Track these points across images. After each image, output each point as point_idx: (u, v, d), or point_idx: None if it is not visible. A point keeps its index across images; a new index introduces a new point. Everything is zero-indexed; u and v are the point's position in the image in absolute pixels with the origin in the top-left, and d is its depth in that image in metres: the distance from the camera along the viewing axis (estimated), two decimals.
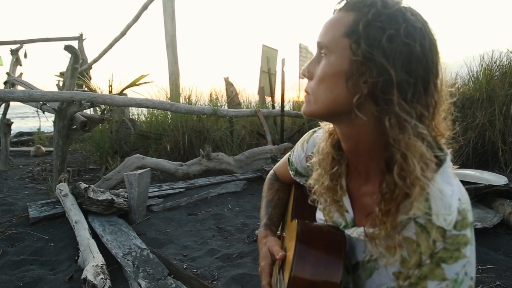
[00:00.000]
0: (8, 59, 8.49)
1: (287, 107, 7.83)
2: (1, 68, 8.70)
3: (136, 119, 7.66)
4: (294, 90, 10.49)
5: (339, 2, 0.85)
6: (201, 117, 6.74)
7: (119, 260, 2.71)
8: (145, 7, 8.60)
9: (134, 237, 3.10)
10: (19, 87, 7.25)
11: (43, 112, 5.76)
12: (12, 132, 7.21)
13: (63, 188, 3.94)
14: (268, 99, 9.02)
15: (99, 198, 3.54)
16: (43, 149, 8.18)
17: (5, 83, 7.51)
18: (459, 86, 6.05)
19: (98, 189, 3.80)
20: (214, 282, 2.61)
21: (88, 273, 2.32)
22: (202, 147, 5.70)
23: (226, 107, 7.80)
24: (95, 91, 7.53)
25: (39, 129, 10.50)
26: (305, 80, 0.92)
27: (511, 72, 5.41)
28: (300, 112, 7.36)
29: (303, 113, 0.91)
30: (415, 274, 0.79)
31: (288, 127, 7.74)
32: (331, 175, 0.97)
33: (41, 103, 5.33)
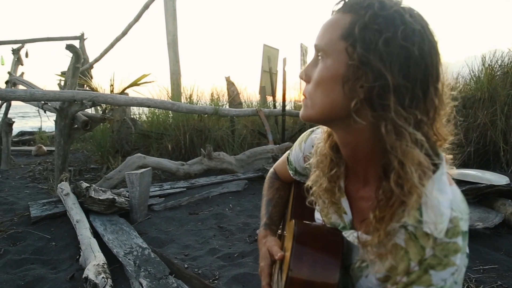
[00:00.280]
0: (9, 58, 8.52)
1: (288, 107, 7.83)
2: (2, 67, 8.72)
3: (138, 119, 7.68)
4: (295, 89, 10.48)
5: (337, 3, 0.83)
6: (202, 117, 6.73)
7: (120, 259, 2.71)
8: (146, 7, 8.59)
9: (135, 237, 3.10)
10: (21, 87, 7.26)
11: (45, 112, 5.76)
12: (13, 131, 7.21)
13: (64, 187, 3.94)
14: (269, 98, 9.02)
15: (100, 198, 3.54)
16: (45, 148, 8.19)
17: (6, 82, 7.51)
18: (461, 86, 6.05)
19: (100, 188, 3.81)
20: (215, 281, 2.62)
21: (90, 272, 2.32)
22: (203, 146, 5.70)
23: (227, 107, 7.79)
24: (96, 90, 7.53)
25: (40, 128, 10.51)
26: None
27: None
28: None
29: (301, 117, 0.90)
30: (402, 281, 0.78)
31: (290, 126, 7.74)
32: (330, 177, 0.95)
33: (43, 102, 5.33)
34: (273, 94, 8.82)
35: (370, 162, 0.86)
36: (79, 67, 5.11)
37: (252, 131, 7.22)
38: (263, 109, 7.31)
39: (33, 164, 6.97)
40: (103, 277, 2.29)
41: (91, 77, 8.87)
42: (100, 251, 2.71)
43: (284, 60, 7.60)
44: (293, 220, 1.00)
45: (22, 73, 8.39)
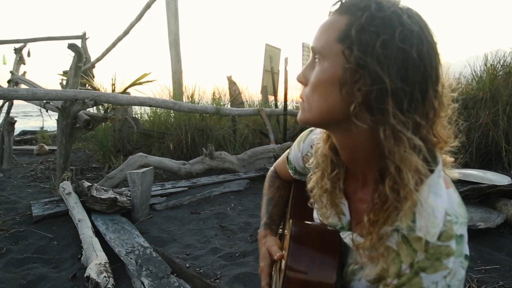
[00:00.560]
0: (11, 58, 8.51)
1: (290, 106, 7.82)
2: (4, 66, 8.72)
3: (139, 118, 7.67)
4: (297, 89, 10.45)
5: (334, 4, 0.81)
6: (204, 116, 6.74)
7: (122, 258, 2.72)
8: (148, 6, 8.59)
9: (137, 236, 3.10)
10: (23, 86, 7.26)
11: (47, 111, 5.77)
12: (15, 130, 7.22)
13: (66, 186, 3.95)
14: (271, 98, 9.01)
15: (102, 197, 3.55)
16: (46, 147, 8.20)
17: (8, 81, 7.52)
18: (463, 86, 6.04)
19: (101, 187, 3.81)
20: (217, 281, 2.62)
21: (91, 271, 2.32)
22: (205, 146, 5.71)
23: (229, 106, 7.79)
24: (98, 89, 7.54)
25: (42, 127, 10.52)
26: None
27: None
28: None
29: (298, 121, 0.88)
30: (393, 283, 0.77)
31: (291, 126, 7.74)
32: (331, 179, 0.94)
33: (45, 101, 5.34)
34: (275, 94, 8.81)
35: (368, 165, 0.85)
36: (81, 67, 5.11)
37: (253, 130, 7.22)
38: (265, 108, 7.31)
39: (35, 163, 6.98)
40: (105, 276, 2.30)
41: (93, 76, 8.88)
42: (102, 250, 2.72)
43: (286, 59, 7.59)
44: (291, 220, 1.00)
45: (24, 72, 8.39)
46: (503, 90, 5.30)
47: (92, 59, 9.63)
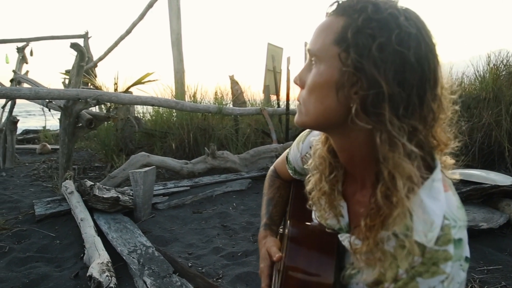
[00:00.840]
0: (14, 57, 8.53)
1: (292, 106, 7.81)
2: (7, 65, 8.73)
3: (141, 117, 7.68)
4: (299, 88, 10.48)
5: (330, 5, 0.80)
6: (206, 115, 6.74)
7: (124, 257, 2.72)
8: (150, 5, 8.60)
9: (139, 235, 3.11)
10: (25, 85, 7.28)
11: (49, 110, 5.78)
12: (17, 129, 7.23)
13: (68, 185, 3.95)
14: (273, 97, 9.01)
15: (104, 196, 3.55)
16: (49, 146, 8.22)
17: (11, 81, 7.53)
18: (466, 86, 6.03)
19: (104, 186, 3.82)
20: (219, 280, 2.62)
21: (94, 271, 2.33)
22: (207, 145, 5.71)
23: (231, 106, 7.79)
24: (100, 89, 7.54)
25: (44, 126, 10.54)
26: None
27: None
28: None
29: (296, 123, 0.87)
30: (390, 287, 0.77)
31: (293, 125, 7.71)
32: (329, 181, 0.93)
33: (47, 100, 5.35)
34: (277, 93, 8.81)
35: (366, 167, 0.84)
36: (84, 66, 5.12)
37: (256, 130, 7.22)
38: (267, 108, 7.31)
39: (38, 162, 6.99)
40: (107, 275, 2.30)
41: (95, 76, 8.89)
42: (104, 249, 2.72)
43: (288, 59, 7.58)
44: (289, 221, 1.00)
45: (27, 72, 8.41)
46: (506, 90, 5.29)
47: (95, 58, 9.65)
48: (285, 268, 0.89)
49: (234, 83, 8.64)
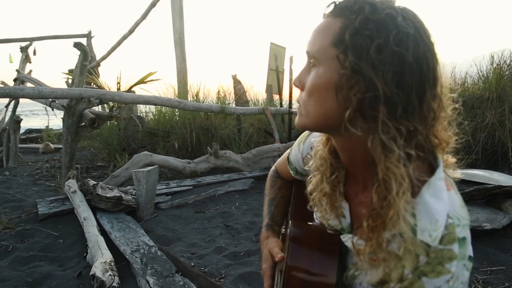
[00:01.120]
0: (17, 56, 8.55)
1: (295, 105, 7.81)
2: (11, 65, 8.75)
3: (144, 117, 7.69)
4: None
5: (327, 6, 0.79)
6: (209, 115, 6.74)
7: (127, 257, 2.73)
8: (153, 5, 8.60)
9: (142, 234, 3.11)
10: (29, 84, 7.29)
11: (52, 109, 5.79)
12: (21, 129, 7.25)
13: (71, 185, 3.96)
14: (276, 97, 9.01)
15: (107, 195, 3.56)
16: (52, 146, 8.24)
17: (15, 80, 7.55)
18: (469, 86, 6.02)
19: (107, 186, 3.83)
20: (222, 280, 2.62)
21: (97, 270, 2.33)
22: (209, 144, 5.71)
23: (233, 105, 7.79)
24: (103, 88, 7.55)
25: (47, 126, 10.56)
26: None
27: None
28: None
29: (296, 125, 0.87)
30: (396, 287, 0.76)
31: None
32: (331, 182, 0.93)
33: (50, 100, 5.36)
34: (280, 93, 8.80)
35: (367, 168, 0.84)
36: (87, 65, 5.13)
37: (258, 129, 7.22)
38: (270, 107, 7.30)
39: (41, 161, 7.01)
40: (110, 275, 2.31)
41: (98, 75, 8.90)
42: (107, 248, 2.73)
43: (291, 58, 7.58)
44: (290, 221, 1.00)
45: (30, 71, 8.43)
46: (509, 90, 5.28)
47: (98, 57, 9.65)
48: (288, 268, 0.89)
49: (236, 83, 8.65)
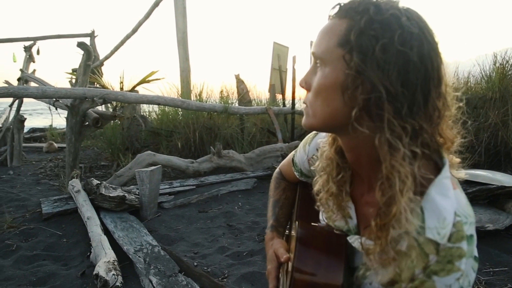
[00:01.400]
0: (21, 56, 8.58)
1: (297, 105, 7.81)
2: (14, 64, 8.79)
3: (147, 116, 7.70)
4: None
5: (333, 8, 0.80)
6: (212, 114, 6.75)
7: (130, 256, 2.74)
8: (156, 4, 8.62)
9: (145, 234, 3.13)
10: (32, 84, 7.32)
11: (56, 109, 5.81)
12: (24, 128, 7.28)
13: (75, 184, 3.98)
14: (279, 96, 9.01)
15: (111, 195, 3.57)
16: (55, 145, 8.26)
17: (18, 79, 7.58)
18: (472, 85, 6.00)
19: (110, 185, 3.84)
20: (224, 280, 2.63)
21: (100, 269, 2.34)
22: (213, 144, 5.72)
23: (237, 105, 7.80)
24: (106, 87, 7.57)
25: (51, 125, 10.60)
26: None
27: None
28: None
29: (303, 126, 0.88)
30: (407, 287, 0.77)
31: (299, 125, 7.71)
32: (337, 182, 0.94)
33: (54, 99, 5.38)
34: (283, 92, 8.81)
35: (372, 168, 0.85)
36: (90, 65, 5.15)
37: (261, 129, 7.22)
38: (273, 107, 7.31)
39: (45, 160, 7.04)
40: (113, 274, 2.32)
41: (102, 74, 8.92)
42: (110, 248, 2.74)
43: (294, 58, 7.58)
44: (297, 222, 1.00)
45: (34, 70, 8.46)
46: None
47: (101, 57, 9.68)
48: (294, 269, 0.90)
49: (239, 82, 8.65)
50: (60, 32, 10.18)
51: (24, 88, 5.41)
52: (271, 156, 5.83)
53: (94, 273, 2.36)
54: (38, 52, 8.77)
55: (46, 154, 7.89)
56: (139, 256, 2.73)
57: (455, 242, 0.73)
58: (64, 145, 6.02)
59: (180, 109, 6.77)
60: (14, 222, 3.56)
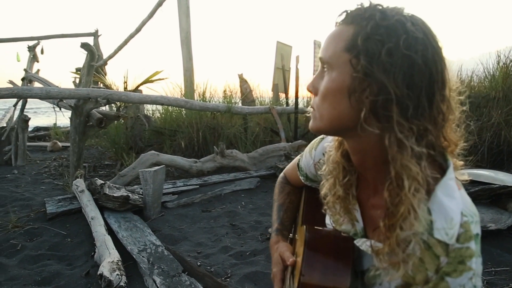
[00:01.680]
0: (25, 55, 8.60)
1: (301, 104, 7.82)
2: (18, 64, 8.80)
3: (151, 116, 7.72)
4: None
5: (340, 15, 0.83)
6: (215, 114, 6.77)
7: (134, 256, 2.76)
8: (160, 4, 8.60)
9: (149, 234, 3.14)
10: (36, 83, 7.34)
11: (60, 109, 5.83)
12: (29, 127, 7.30)
13: (79, 184, 4.00)
14: (282, 96, 9.02)
15: (114, 195, 3.59)
16: (60, 144, 8.30)
17: (22, 79, 7.60)
18: (475, 85, 5.99)
19: (114, 185, 3.86)
20: (228, 279, 2.65)
21: (104, 269, 2.37)
22: (216, 144, 5.73)
23: (240, 104, 7.81)
24: (110, 87, 7.59)
25: (55, 124, 10.63)
26: None
27: None
28: None
29: (310, 129, 0.90)
30: None
31: (302, 124, 7.73)
32: (344, 185, 0.95)
33: (58, 99, 5.40)
34: (286, 92, 8.81)
35: (378, 170, 0.87)
36: (94, 65, 5.17)
37: (264, 128, 7.23)
38: (276, 106, 7.32)
39: (49, 160, 7.08)
40: (117, 274, 2.34)
41: (105, 74, 8.94)
42: (114, 248, 2.76)
43: (297, 57, 7.58)
44: (304, 226, 1.01)
45: (38, 70, 8.48)
46: None
47: (105, 56, 9.68)
48: (302, 273, 0.91)
49: (243, 82, 8.65)
50: (64, 32, 10.18)
51: (28, 88, 5.44)
52: (274, 155, 5.85)
53: (98, 273, 2.39)
54: (42, 52, 8.78)
55: (50, 153, 7.93)
56: (142, 256, 2.75)
57: (464, 242, 0.75)
58: (68, 144, 6.04)
59: (183, 109, 6.78)
60: (18, 222, 3.58)
